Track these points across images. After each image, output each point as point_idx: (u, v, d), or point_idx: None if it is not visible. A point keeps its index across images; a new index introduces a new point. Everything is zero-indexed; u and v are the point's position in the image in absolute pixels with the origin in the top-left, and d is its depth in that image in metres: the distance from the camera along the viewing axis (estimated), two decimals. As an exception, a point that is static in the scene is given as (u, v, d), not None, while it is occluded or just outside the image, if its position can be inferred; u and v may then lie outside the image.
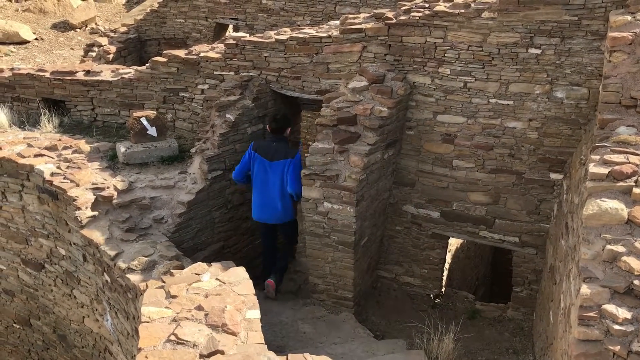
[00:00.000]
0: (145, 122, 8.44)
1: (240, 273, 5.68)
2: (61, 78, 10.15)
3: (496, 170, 7.76)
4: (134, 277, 6.72)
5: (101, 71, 10.29)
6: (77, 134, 9.62)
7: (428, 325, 7.18)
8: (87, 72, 10.21)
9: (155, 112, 8.70)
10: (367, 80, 7.69)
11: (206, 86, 9.21)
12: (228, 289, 5.47)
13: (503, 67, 7.28)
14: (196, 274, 5.76)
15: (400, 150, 8.15)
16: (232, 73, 8.92)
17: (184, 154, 8.86)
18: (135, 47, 16.07)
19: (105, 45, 15.29)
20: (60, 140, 8.92)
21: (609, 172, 4.87)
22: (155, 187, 8.15)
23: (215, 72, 9.06)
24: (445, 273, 9.35)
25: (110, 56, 15.25)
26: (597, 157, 5.12)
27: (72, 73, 10.19)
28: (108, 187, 7.89)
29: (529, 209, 7.77)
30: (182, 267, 6.78)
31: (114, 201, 7.76)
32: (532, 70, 7.18)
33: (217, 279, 5.62)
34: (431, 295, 8.86)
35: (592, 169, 4.95)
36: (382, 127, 7.38)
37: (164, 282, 5.67)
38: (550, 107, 7.27)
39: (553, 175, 7.55)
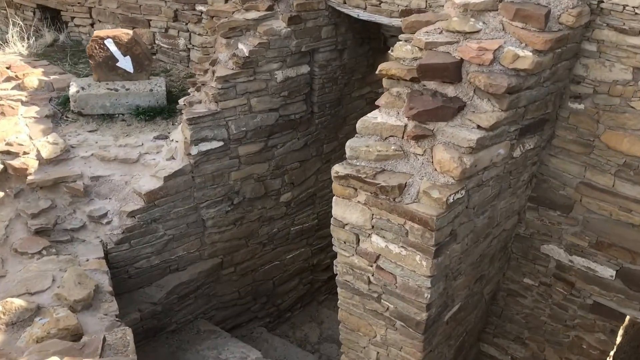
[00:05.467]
0: (112, 48, 5.17)
1: None
2: (53, -24, 7.15)
3: None
4: (-13, 338, 3.62)
5: (105, -31, 7.10)
6: (57, 59, 6.61)
7: None
8: (86, -30, 7.08)
9: (130, 32, 5.35)
10: (498, -10, 3.72)
11: (231, -5, 5.66)
12: None
13: None
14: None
15: (550, 140, 4.15)
16: (266, -28, 5.26)
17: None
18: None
19: None
20: (10, 67, 5.93)
21: None
22: (107, 159, 4.93)
23: (244, -28, 5.44)
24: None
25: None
26: None
27: (66, -30, 7.12)
28: (26, 153, 4.77)
29: None
30: (78, 335, 3.62)
31: (29, 178, 4.64)
32: None
33: None
34: (575, 408, 4.90)
35: None
36: (516, 91, 3.47)
37: None
38: None
39: None
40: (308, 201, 5.93)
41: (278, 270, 5.96)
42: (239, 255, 5.50)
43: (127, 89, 5.30)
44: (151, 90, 5.35)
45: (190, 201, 4.94)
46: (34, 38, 6.93)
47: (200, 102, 4.89)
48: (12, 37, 6.73)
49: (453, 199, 3.38)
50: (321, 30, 5.21)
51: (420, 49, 3.77)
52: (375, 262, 3.76)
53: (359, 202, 3.65)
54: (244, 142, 5.09)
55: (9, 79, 5.73)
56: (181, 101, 5.08)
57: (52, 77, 5.78)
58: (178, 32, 6.34)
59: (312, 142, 5.69)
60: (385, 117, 3.72)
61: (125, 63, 5.29)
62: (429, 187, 3.39)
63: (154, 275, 4.93)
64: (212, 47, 5.22)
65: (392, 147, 3.59)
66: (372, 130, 3.69)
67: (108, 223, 4.66)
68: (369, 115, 3.78)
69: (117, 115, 5.34)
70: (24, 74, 5.77)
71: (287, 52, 5.04)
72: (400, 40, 3.92)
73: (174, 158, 4.89)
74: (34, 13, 7.75)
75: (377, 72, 3.85)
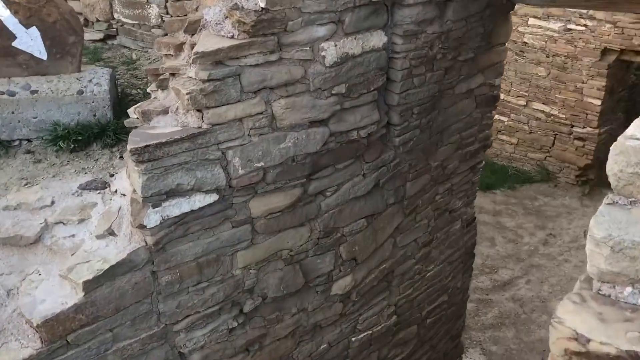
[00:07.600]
0: (2, 12, 2.62)
1: None
2: None
3: None
4: None
5: None
6: None
7: None
8: None
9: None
10: None
11: None
12: None
13: None
14: None
15: None
16: None
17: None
18: None
19: None
20: None
21: None
22: (-27, 240, 2.35)
23: None
24: None
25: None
26: None
27: None
28: None
29: None
30: None
31: None
32: None
33: None
34: None
35: None
36: None
37: None
38: None
39: None
40: (380, 286, 3.34)
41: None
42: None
43: (33, 92, 2.78)
44: (81, 92, 2.82)
45: (150, 323, 2.38)
46: None
47: (166, 111, 2.34)
48: None
49: None
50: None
51: None
52: None
53: None
54: (260, 191, 2.52)
55: None
56: (131, 111, 2.53)
57: None
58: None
59: (388, 180, 3.10)
60: None
61: (29, 41, 2.79)
62: None
63: None
64: (190, -1, 2.70)
65: None
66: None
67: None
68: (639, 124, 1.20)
69: (16, 143, 2.83)
70: None
71: (344, 3, 2.48)
72: None
73: (113, 233, 2.34)
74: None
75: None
